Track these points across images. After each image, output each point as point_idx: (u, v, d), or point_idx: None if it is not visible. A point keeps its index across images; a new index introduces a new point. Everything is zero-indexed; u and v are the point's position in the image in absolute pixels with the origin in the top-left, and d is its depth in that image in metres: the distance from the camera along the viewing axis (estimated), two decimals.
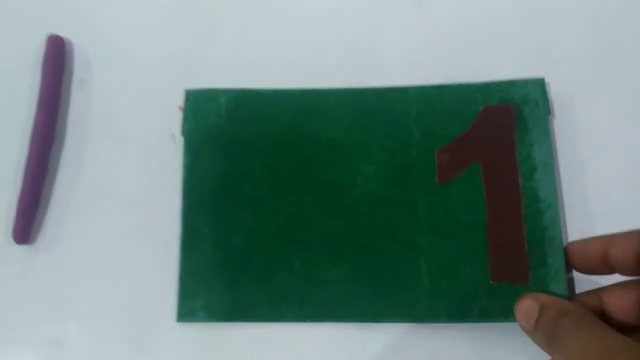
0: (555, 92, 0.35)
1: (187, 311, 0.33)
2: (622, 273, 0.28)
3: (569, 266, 0.31)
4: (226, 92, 0.36)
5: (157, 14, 0.39)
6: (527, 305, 0.29)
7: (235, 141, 0.36)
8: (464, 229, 0.33)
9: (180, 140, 0.36)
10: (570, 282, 0.31)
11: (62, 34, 0.38)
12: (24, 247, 0.35)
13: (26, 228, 0.35)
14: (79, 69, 0.38)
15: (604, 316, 0.28)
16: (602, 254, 0.28)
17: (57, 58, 0.37)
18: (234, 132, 0.36)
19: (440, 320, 0.32)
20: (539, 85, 0.35)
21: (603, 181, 0.34)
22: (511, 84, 0.35)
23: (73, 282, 0.34)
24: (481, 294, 0.32)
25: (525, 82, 0.35)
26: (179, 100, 0.36)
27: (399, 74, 0.36)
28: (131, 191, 0.36)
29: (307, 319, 0.33)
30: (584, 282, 0.31)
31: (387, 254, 0.33)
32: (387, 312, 0.32)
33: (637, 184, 0.33)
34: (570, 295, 0.31)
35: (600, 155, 0.34)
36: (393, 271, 0.33)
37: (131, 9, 0.39)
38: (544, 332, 0.27)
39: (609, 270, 0.28)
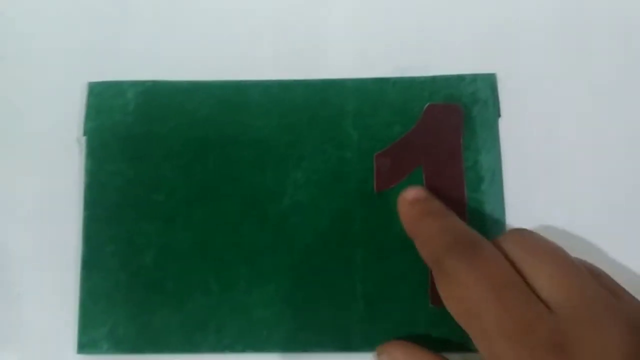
0: (504, 89, 0.31)
1: (89, 341, 0.29)
2: None
3: None
4: (135, 84, 0.31)
5: (55, 5, 0.33)
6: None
7: (145, 142, 0.31)
8: (404, 245, 0.29)
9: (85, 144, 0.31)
10: None
11: None
12: None
13: None
14: None
15: None
16: None
17: None
18: (143, 131, 0.31)
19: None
20: (489, 82, 0.31)
21: (549, 194, 0.30)
22: (460, 79, 0.31)
23: None
24: (421, 320, 0.29)
25: (475, 78, 0.31)
26: (79, 105, 0.31)
27: (339, 67, 0.32)
28: (30, 205, 0.31)
29: (226, 349, 0.29)
30: None
31: (318, 272, 0.30)
32: (317, 340, 0.29)
33: (587, 200, 0.30)
34: None
35: (549, 164, 0.31)
36: (324, 293, 0.29)
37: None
38: None
39: None
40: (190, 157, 0.31)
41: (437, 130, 0.30)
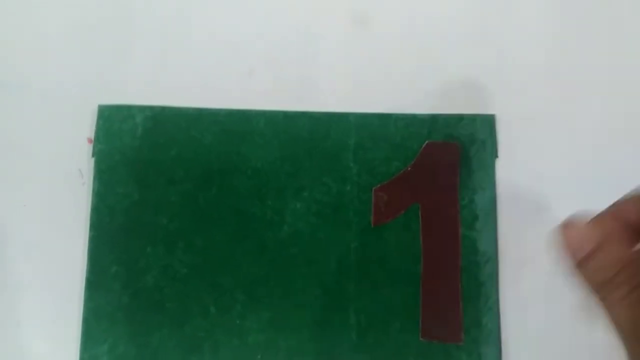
0: (503, 130, 0.32)
1: (90, 357, 0.30)
2: None
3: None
4: (143, 109, 0.32)
5: (63, 31, 0.34)
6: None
7: (151, 166, 0.32)
8: (397, 278, 0.30)
9: (88, 176, 0.32)
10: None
11: None
12: None
13: None
14: None
15: None
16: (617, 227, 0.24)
17: None
18: (149, 156, 0.32)
19: None
20: (488, 123, 0.32)
21: (542, 235, 0.31)
22: (459, 119, 0.32)
23: None
24: (410, 352, 0.30)
25: (474, 118, 0.32)
26: (87, 131, 0.32)
27: (337, 101, 0.32)
28: (32, 237, 0.32)
29: None
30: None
31: (313, 301, 0.30)
32: None
33: None
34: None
35: (543, 205, 0.31)
36: (318, 321, 0.30)
37: (33, 26, 0.34)
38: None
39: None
40: (194, 184, 0.32)
41: (435, 167, 0.31)
